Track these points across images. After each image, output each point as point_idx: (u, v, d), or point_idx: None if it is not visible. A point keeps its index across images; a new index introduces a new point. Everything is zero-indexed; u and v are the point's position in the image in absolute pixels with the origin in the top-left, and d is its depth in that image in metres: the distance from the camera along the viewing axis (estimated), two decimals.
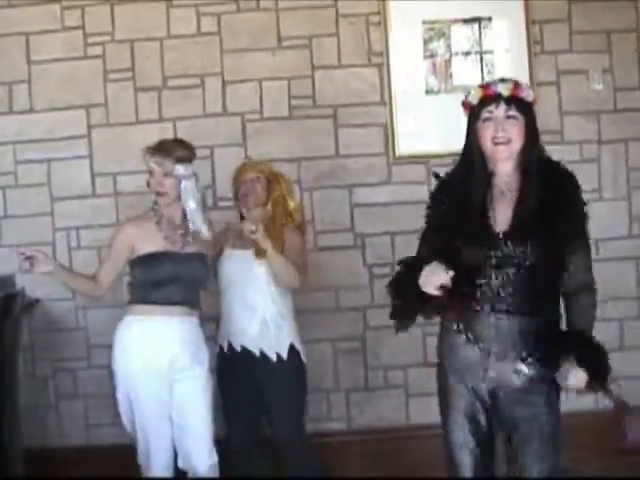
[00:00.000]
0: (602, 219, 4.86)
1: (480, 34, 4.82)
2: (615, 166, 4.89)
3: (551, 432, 2.96)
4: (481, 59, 4.81)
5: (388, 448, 4.76)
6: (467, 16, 4.80)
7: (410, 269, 2.99)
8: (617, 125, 4.86)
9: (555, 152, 4.66)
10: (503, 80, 3.01)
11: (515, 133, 2.93)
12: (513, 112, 2.93)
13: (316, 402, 4.73)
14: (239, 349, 3.90)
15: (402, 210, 4.76)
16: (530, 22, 4.79)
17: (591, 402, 4.73)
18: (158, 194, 3.71)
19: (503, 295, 2.92)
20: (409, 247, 4.70)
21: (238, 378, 3.92)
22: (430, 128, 4.81)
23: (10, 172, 4.80)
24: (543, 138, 4.70)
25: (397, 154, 4.76)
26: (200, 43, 4.79)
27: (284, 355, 3.88)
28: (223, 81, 4.79)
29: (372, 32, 4.80)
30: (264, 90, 4.80)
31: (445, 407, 3.10)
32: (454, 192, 3.01)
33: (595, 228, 4.69)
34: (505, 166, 2.99)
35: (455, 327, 3.01)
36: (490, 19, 4.81)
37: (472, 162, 3.00)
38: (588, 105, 4.85)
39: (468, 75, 4.77)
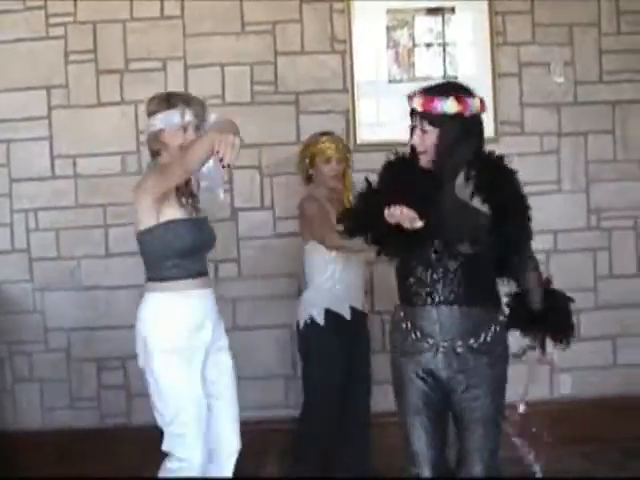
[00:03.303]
0: (561, 211, 4.92)
1: (443, 25, 4.84)
2: (574, 159, 4.92)
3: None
4: (444, 50, 4.83)
5: None
6: (431, 6, 4.81)
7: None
8: (577, 118, 4.89)
9: (515, 143, 4.77)
10: (426, 91, 3.02)
11: (428, 145, 3.00)
12: (425, 127, 3.00)
13: (274, 388, 4.75)
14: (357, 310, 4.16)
15: None
16: (493, 13, 4.81)
17: (545, 391, 4.86)
18: None
19: (444, 287, 3.01)
20: None
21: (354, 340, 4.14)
22: (392, 117, 4.81)
23: None
24: (504, 129, 4.85)
25: (358, 142, 4.77)
26: (163, 26, 4.76)
27: None
28: (185, 65, 4.77)
29: (336, 20, 4.79)
30: (226, 75, 4.79)
31: (401, 395, 3.15)
32: (399, 177, 3.04)
33: (554, 220, 4.83)
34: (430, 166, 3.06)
35: (404, 326, 3.09)
36: (453, 10, 4.82)
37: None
38: (549, 97, 4.88)
39: (430, 66, 4.80)
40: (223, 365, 3.50)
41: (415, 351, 3.06)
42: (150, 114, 3.43)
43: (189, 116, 3.39)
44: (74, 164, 4.77)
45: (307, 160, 4.21)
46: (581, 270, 4.94)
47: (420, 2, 4.83)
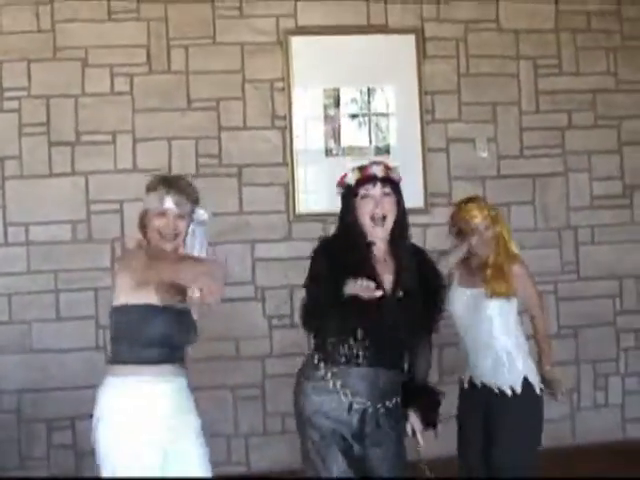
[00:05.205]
0: None
1: (369, 102, 5.16)
2: None
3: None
4: (369, 124, 5.15)
5: None
6: (364, 85, 5.14)
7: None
8: (500, 190, 5.20)
9: (444, 214, 4.98)
10: (376, 163, 3.37)
11: (389, 209, 3.27)
12: (388, 190, 3.28)
13: (216, 447, 4.87)
14: (479, 385, 3.92)
15: (300, 265, 4.78)
16: (422, 93, 5.15)
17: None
18: (164, 237, 3.21)
19: (375, 350, 3.21)
20: None
21: (474, 411, 3.94)
22: (328, 188, 5.06)
23: None
24: (433, 200, 5.11)
25: (297, 212, 5.01)
26: (113, 102, 4.97)
27: (518, 389, 3.84)
28: (134, 139, 4.98)
29: (276, 97, 5.07)
30: (173, 148, 5.00)
31: (324, 462, 3.30)
32: (334, 255, 3.24)
33: None
34: (381, 237, 3.32)
35: (332, 385, 3.25)
36: (383, 90, 5.16)
37: (353, 233, 3.30)
38: (474, 171, 5.21)
39: (358, 140, 5.15)
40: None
41: (340, 412, 3.23)
42: (197, 202, 3.32)
43: (169, 203, 3.20)
44: (26, 231, 4.90)
45: (454, 229, 3.97)
46: None
47: (354, 81, 5.13)
